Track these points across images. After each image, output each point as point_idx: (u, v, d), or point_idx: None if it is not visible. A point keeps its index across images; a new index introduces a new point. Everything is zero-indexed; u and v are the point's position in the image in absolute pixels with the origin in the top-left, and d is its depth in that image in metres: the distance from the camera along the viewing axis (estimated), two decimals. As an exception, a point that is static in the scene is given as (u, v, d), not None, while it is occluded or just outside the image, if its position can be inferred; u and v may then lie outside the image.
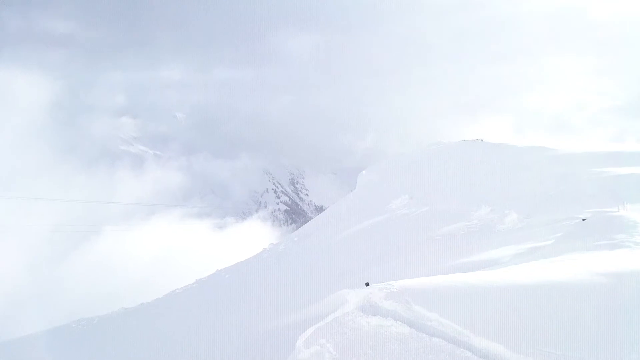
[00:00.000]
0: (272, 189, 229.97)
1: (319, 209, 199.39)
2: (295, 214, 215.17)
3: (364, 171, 44.12)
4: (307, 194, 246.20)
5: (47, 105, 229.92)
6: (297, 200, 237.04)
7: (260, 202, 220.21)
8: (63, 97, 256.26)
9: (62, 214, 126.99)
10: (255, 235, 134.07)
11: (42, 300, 70.53)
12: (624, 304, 6.29)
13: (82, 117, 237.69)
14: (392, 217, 23.27)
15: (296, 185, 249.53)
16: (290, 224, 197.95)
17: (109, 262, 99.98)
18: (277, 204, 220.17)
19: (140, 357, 13.14)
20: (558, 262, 8.74)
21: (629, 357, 5.30)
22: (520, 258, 10.92)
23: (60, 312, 49.17)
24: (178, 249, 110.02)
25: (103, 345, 16.85)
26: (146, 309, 21.00)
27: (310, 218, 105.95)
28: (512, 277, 7.65)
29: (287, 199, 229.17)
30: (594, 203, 15.25)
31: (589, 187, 18.16)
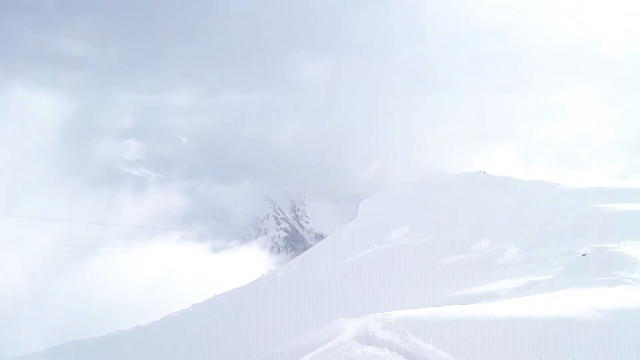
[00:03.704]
0: (273, 215, 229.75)
1: (319, 237, 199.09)
2: (295, 241, 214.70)
3: (365, 200, 44.09)
4: (307, 221, 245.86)
5: (54, 124, 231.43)
6: (298, 227, 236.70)
7: (261, 228, 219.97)
8: (71, 116, 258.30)
9: (63, 233, 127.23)
10: (254, 261, 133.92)
11: (37, 320, 70.29)
12: (622, 341, 6.24)
13: (89, 138, 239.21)
14: (392, 247, 23.21)
15: (297, 212, 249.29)
16: (290, 251, 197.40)
17: (105, 283, 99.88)
18: (277, 230, 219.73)
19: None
20: (557, 297, 8.69)
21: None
22: (518, 292, 10.87)
23: (56, 332, 49.01)
24: (175, 271, 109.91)
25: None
26: (141, 332, 20.86)
27: (310, 245, 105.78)
28: (510, 310, 7.60)
29: (287, 225, 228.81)
30: (595, 239, 15.18)
31: (591, 223, 18.10)
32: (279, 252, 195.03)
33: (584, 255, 12.70)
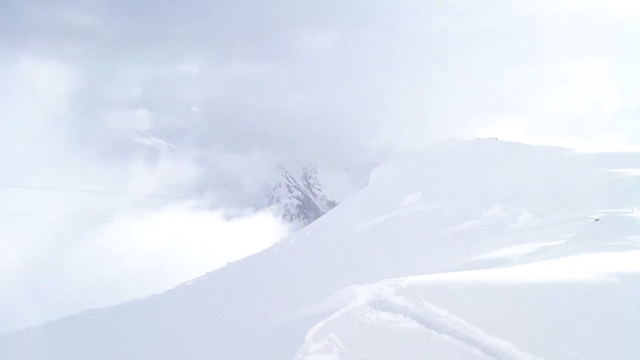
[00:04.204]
0: (285, 184, 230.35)
1: (331, 204, 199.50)
2: (307, 209, 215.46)
3: (377, 167, 44.06)
4: (319, 189, 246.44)
5: (64, 95, 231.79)
6: (310, 195, 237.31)
7: (273, 196, 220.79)
8: (81, 88, 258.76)
9: (75, 204, 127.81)
10: (267, 229, 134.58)
11: (51, 290, 71.02)
12: (635, 305, 6.26)
13: (98, 109, 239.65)
14: (404, 214, 23.23)
15: (309, 180, 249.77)
16: (302, 218, 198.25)
17: (118, 252, 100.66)
18: (290, 198, 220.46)
19: (151, 348, 13.20)
20: (569, 262, 8.71)
21: (638, 357, 5.28)
22: (531, 257, 10.89)
23: (70, 301, 49.48)
24: (188, 240, 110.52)
25: (114, 336, 16.91)
26: (157, 301, 21.06)
27: (323, 213, 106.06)
28: (523, 275, 7.63)
29: (299, 193, 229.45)
30: (608, 204, 15.14)
31: (603, 188, 18.03)
32: (291, 219, 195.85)
33: (596, 220, 12.69)
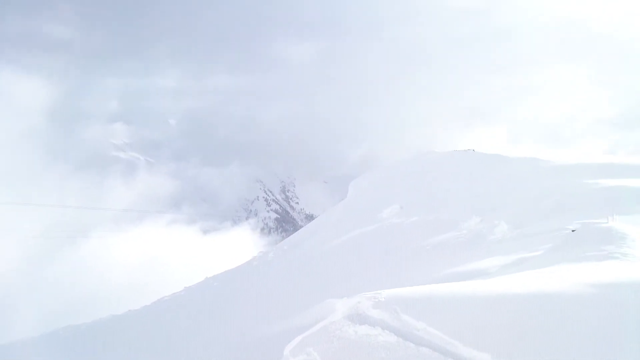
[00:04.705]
0: (263, 197, 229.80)
1: (310, 218, 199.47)
2: (285, 222, 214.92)
3: (355, 180, 44.13)
4: (297, 202, 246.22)
5: (41, 108, 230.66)
6: (288, 209, 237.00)
7: (251, 210, 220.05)
8: (57, 102, 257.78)
9: (52, 218, 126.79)
10: (245, 243, 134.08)
11: (27, 306, 70.22)
12: (612, 315, 6.28)
13: (75, 122, 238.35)
14: (382, 226, 23.28)
15: (287, 194, 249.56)
16: (281, 232, 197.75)
17: (96, 267, 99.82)
18: (268, 212, 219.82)
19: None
20: (547, 273, 8.74)
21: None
22: (509, 268, 10.93)
23: (47, 317, 48.98)
24: (166, 255, 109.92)
25: (91, 353, 16.74)
26: (134, 316, 20.87)
27: (301, 226, 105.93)
28: (500, 287, 7.64)
29: (277, 207, 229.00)
30: (584, 214, 15.26)
31: (579, 199, 18.20)
32: (269, 233, 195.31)
33: (573, 231, 12.78)
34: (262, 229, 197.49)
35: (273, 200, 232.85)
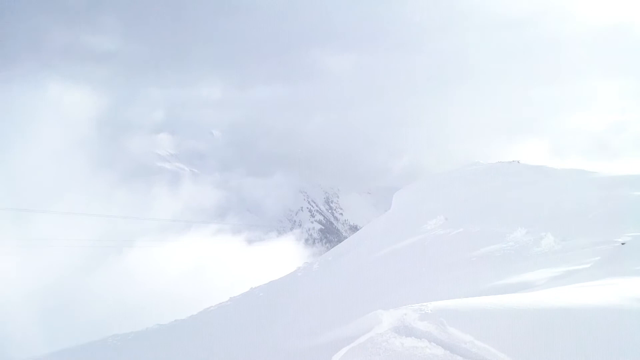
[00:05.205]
0: (307, 208, 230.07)
1: (354, 229, 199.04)
2: (329, 233, 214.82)
3: (399, 191, 43.98)
4: (341, 213, 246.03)
5: (87, 120, 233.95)
6: (332, 220, 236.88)
7: (295, 221, 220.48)
8: (103, 112, 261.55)
9: (99, 228, 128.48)
10: (290, 254, 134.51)
11: (74, 314, 71.32)
12: (662, 330, 6.22)
13: (121, 133, 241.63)
14: (427, 237, 23.16)
15: (331, 204, 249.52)
16: (325, 243, 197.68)
17: (141, 277, 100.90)
18: (312, 222, 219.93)
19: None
20: (595, 287, 8.66)
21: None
22: (556, 281, 10.82)
23: (93, 326, 49.67)
24: (211, 265, 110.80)
25: (138, 361, 16.98)
26: (181, 326, 21.11)
27: (345, 237, 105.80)
28: (548, 300, 7.60)
29: (321, 217, 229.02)
30: (634, 227, 15.02)
31: (629, 211, 17.90)
32: (314, 244, 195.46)
33: (623, 244, 12.60)
34: (307, 240, 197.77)
35: (317, 211, 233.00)
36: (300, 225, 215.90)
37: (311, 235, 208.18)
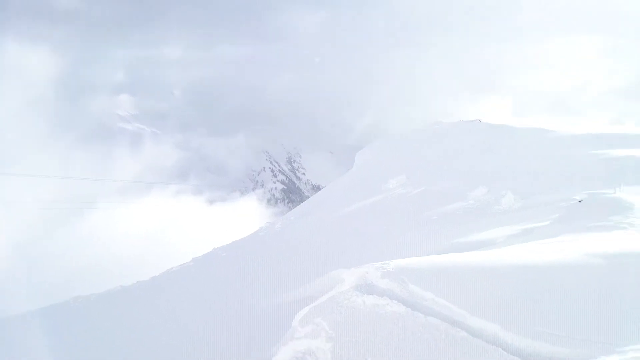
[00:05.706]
0: (269, 168, 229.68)
1: (316, 188, 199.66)
2: (292, 193, 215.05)
3: (361, 150, 44.03)
4: (304, 173, 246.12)
5: (46, 81, 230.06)
6: (294, 179, 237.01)
7: (257, 181, 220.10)
8: (63, 73, 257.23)
9: (58, 190, 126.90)
10: (252, 214, 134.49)
11: (32, 277, 70.63)
12: (619, 285, 6.33)
13: (81, 94, 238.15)
14: (388, 196, 23.28)
15: (293, 164, 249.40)
16: (287, 202, 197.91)
17: (102, 238, 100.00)
18: (274, 182, 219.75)
19: (140, 335, 13.19)
20: (554, 243, 8.78)
21: (623, 336, 5.34)
22: (515, 239, 10.96)
23: (54, 288, 49.24)
24: (173, 225, 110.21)
25: (102, 323, 16.86)
26: (144, 287, 20.99)
27: (307, 197, 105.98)
28: (507, 257, 7.68)
29: (284, 177, 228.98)
30: (591, 185, 15.24)
31: (586, 169, 18.16)
32: (276, 204, 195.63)
33: (580, 201, 12.78)
34: (269, 200, 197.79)
35: (279, 171, 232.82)
36: (263, 185, 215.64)
37: (274, 195, 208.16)
